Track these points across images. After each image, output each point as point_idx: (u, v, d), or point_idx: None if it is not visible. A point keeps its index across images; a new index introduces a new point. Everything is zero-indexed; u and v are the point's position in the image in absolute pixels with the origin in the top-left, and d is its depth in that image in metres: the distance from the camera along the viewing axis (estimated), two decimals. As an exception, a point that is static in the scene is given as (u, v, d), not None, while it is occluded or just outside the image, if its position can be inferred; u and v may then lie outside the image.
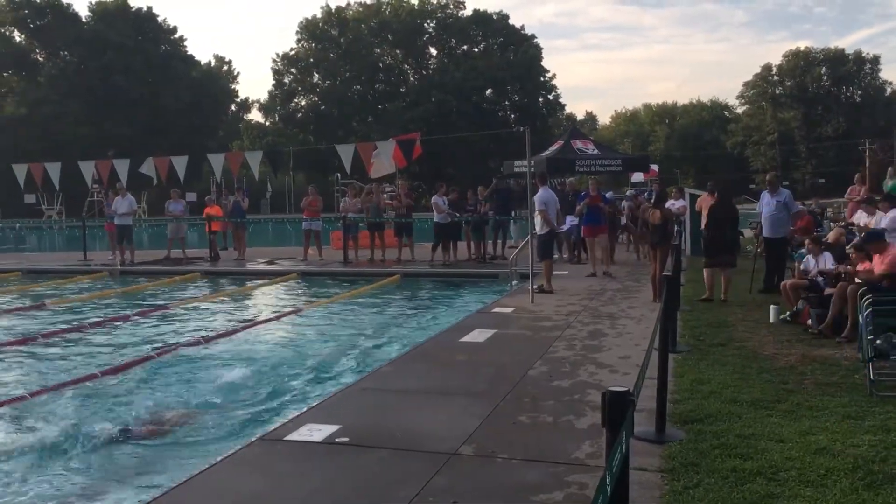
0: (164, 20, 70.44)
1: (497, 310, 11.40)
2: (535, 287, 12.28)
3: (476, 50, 74.96)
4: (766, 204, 12.72)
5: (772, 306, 9.99)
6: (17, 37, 66.95)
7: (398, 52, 75.17)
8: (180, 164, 19.62)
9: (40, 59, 66.97)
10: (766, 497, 4.37)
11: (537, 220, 12.97)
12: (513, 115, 73.00)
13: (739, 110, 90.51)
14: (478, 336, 9.28)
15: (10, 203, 50.87)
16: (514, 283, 14.76)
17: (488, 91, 72.66)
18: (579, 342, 8.86)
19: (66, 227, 44.19)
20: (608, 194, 18.32)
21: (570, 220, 17.17)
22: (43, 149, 49.77)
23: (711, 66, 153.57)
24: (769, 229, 12.60)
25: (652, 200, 14.70)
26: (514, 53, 72.41)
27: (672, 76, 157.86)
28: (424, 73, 75.25)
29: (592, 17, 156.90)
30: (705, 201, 16.01)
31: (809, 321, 9.20)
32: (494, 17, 74.18)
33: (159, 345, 10.24)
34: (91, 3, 67.45)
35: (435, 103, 67.20)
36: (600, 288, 13.56)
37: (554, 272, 13.61)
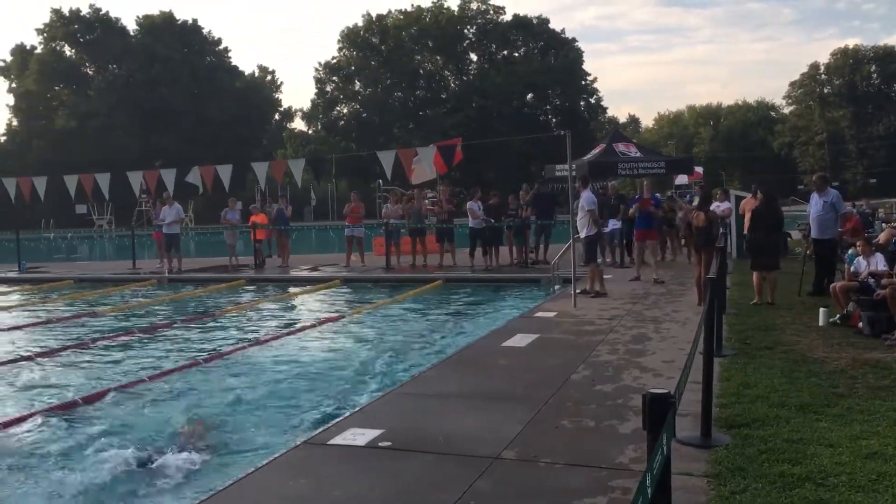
0: (209, 32, 71.76)
1: (539, 314, 11.35)
2: (578, 291, 12.21)
3: (516, 55, 74.88)
4: (813, 205, 12.49)
5: (821, 309, 9.79)
6: (68, 51, 68.68)
7: (438, 58, 75.40)
8: (225, 172, 19.93)
9: (90, 72, 68.61)
10: (816, 502, 4.29)
11: (580, 222, 12.90)
12: (554, 120, 72.69)
13: (786, 110, 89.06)
14: (520, 340, 9.26)
15: (61, 213, 52.14)
16: (557, 287, 14.69)
17: (529, 96, 72.47)
18: (622, 346, 8.79)
19: (115, 237, 45.16)
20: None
21: (613, 224, 17.03)
22: (93, 160, 50.91)
23: (757, 66, 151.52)
24: (816, 230, 12.35)
25: (695, 203, 14.49)
26: (555, 57, 72.15)
27: (716, 77, 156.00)
28: (465, 78, 75.37)
29: (634, 19, 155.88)
30: (749, 204, 15.71)
31: (860, 324, 9.00)
32: (534, 21, 74.06)
33: (205, 351, 10.40)
34: (138, 16, 69.12)
35: (475, 109, 67.24)
36: (644, 292, 13.42)
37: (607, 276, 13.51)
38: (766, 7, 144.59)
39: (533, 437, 5.64)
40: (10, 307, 16.07)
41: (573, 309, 11.57)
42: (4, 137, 70.60)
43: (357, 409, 6.69)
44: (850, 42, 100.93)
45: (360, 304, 14.74)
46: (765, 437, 5.35)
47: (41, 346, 11.16)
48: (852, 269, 10.23)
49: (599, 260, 14.55)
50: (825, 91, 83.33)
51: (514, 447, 5.40)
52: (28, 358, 10.15)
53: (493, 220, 18.40)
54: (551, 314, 11.23)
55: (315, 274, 19.09)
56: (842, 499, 4.32)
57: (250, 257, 21.95)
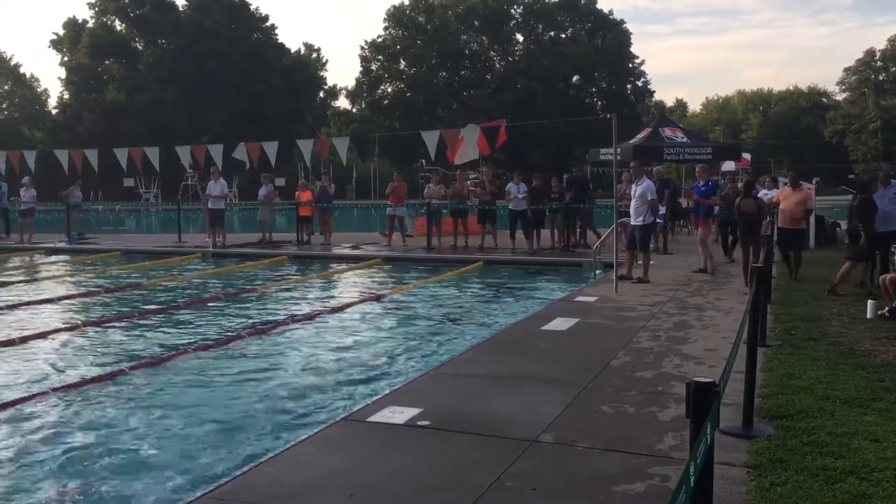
0: (257, 9, 72.01)
1: (580, 298, 11.30)
2: (620, 274, 12.12)
3: (563, 36, 73.98)
4: (878, 198, 12.02)
5: (869, 301, 9.61)
6: (118, 26, 69.54)
7: (484, 38, 74.82)
8: (271, 149, 20.12)
9: (139, 47, 69.40)
10: (859, 497, 4.22)
11: (637, 209, 12.76)
12: (600, 102, 71.83)
13: (839, 97, 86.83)
14: (560, 324, 9.23)
15: (110, 186, 53.03)
16: (598, 272, 14.59)
17: (575, 78, 71.62)
18: (664, 333, 8.71)
19: (161, 210, 45.90)
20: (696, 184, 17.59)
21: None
22: (141, 134, 51.61)
23: (813, 52, 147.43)
24: (883, 223, 11.84)
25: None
26: (603, 39, 71.20)
27: (771, 62, 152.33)
28: (510, 59, 74.75)
29: (689, 0, 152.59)
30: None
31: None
32: (582, 1, 73.05)
33: (246, 325, 10.55)
34: (187, -9, 69.48)
35: (520, 90, 66.69)
36: (686, 279, 13.28)
37: (639, 262, 13.39)
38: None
39: (571, 421, 5.63)
40: (62, 276, 16.48)
41: (614, 294, 11.49)
42: (56, 110, 71.94)
43: (396, 387, 6.75)
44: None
45: (401, 283, 14.81)
46: (808, 430, 5.28)
47: (90, 316, 11.43)
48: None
49: (652, 246, 14.42)
50: (880, 78, 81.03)
51: (553, 431, 5.40)
52: (76, 327, 10.41)
53: (540, 205, 18.32)
54: (592, 299, 11.17)
55: (356, 252, 19.21)
56: (886, 494, 4.25)
57: (291, 233, 22.18)
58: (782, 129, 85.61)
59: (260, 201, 22.20)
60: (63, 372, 8.10)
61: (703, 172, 16.74)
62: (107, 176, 26.28)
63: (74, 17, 69.51)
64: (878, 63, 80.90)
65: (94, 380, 7.61)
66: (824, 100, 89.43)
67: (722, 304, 10.61)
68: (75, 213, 24.46)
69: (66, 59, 68.44)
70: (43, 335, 9.81)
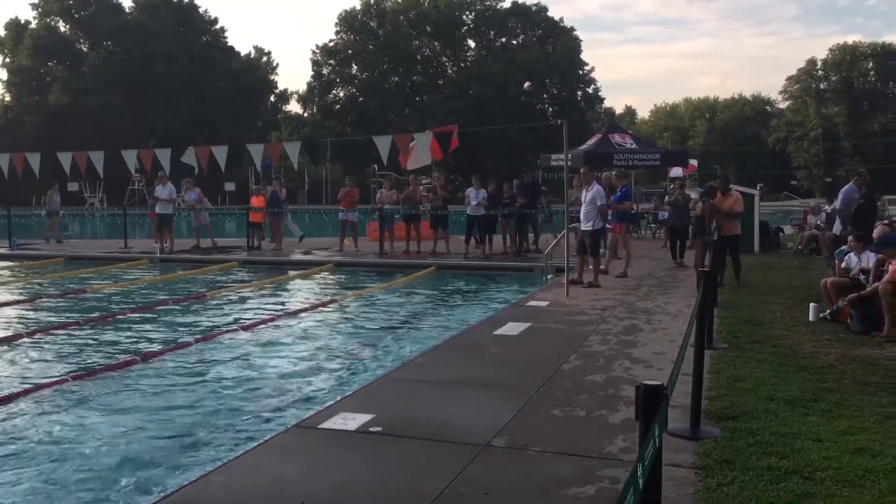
0: (206, 11, 71.20)
1: (532, 303, 11.37)
2: (571, 279, 12.23)
3: (514, 42, 74.57)
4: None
5: (811, 304, 9.85)
6: (62, 27, 68.04)
7: (436, 44, 75.01)
8: (221, 153, 19.85)
9: (84, 48, 67.95)
10: (802, 496, 4.32)
11: (587, 214, 12.88)
12: (551, 109, 72.51)
13: (782, 105, 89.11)
14: (512, 329, 9.27)
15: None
16: (549, 276, 14.71)
17: (526, 84, 72.26)
18: (614, 337, 8.82)
19: (106, 215, 45.00)
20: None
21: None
22: (86, 137, 50.53)
23: (758, 61, 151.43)
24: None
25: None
26: (553, 46, 71.94)
27: (717, 70, 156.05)
28: (462, 65, 75.05)
29: (639, 10, 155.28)
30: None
31: (850, 320, 9.05)
32: (533, 8, 73.74)
33: (195, 332, 10.39)
34: (134, -7, 68.24)
35: (472, 96, 66.99)
36: (636, 284, 13.46)
37: (589, 266, 13.53)
38: (770, 2, 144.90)
39: (523, 425, 5.66)
40: (1, 284, 16.02)
41: (566, 299, 11.59)
42: (-3, 112, 70.06)
43: (348, 393, 6.70)
44: (852, 38, 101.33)
45: (353, 289, 14.74)
46: (753, 430, 5.38)
47: (32, 324, 11.14)
48: (843, 265, 10.28)
49: (602, 251, 14.60)
50: (821, 87, 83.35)
51: (505, 435, 5.42)
52: (19, 336, 10.13)
53: (495, 210, 18.45)
54: (544, 303, 11.25)
55: (308, 257, 19.06)
56: (828, 493, 4.35)
57: (241, 238, 21.91)
58: (728, 136, 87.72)
59: (189, 206, 21.97)
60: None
61: (619, 179, 17.48)
62: (50, 180, 25.71)
63: (17, 17, 67.95)
64: (820, 72, 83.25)
65: (34, 389, 7.40)
66: (768, 108, 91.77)
67: (670, 308, 10.78)
68: (54, 218, 24.40)
69: (7, 60, 66.75)
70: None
